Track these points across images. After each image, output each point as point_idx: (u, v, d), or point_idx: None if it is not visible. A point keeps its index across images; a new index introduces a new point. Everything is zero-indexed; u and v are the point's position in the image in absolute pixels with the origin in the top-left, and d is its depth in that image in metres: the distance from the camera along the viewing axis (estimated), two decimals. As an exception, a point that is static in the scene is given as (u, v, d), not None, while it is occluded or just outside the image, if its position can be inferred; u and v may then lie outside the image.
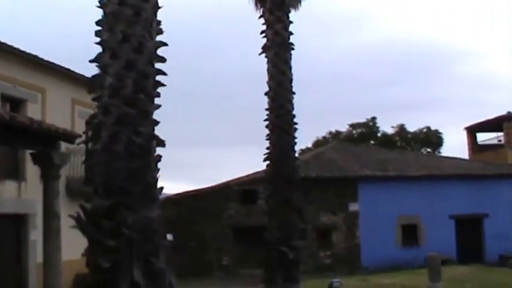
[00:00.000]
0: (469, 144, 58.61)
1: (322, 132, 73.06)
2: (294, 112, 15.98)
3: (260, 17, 16.15)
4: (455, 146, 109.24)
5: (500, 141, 56.51)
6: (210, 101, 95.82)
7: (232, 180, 38.23)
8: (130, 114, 6.58)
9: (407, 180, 39.05)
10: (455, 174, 40.71)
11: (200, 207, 34.85)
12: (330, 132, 71.78)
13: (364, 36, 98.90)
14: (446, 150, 69.43)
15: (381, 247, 36.25)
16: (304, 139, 59.49)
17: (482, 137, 59.69)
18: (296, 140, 16.07)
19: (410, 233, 38.08)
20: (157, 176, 6.96)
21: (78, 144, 15.78)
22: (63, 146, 17.02)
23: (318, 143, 68.50)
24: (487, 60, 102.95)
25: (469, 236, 39.26)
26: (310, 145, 69.45)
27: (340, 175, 37.75)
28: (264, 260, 15.14)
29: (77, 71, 23.74)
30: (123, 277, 6.15)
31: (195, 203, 35.09)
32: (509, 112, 54.07)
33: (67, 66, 23.64)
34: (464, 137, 59.31)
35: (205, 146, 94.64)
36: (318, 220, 35.75)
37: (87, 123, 7.05)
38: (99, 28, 6.96)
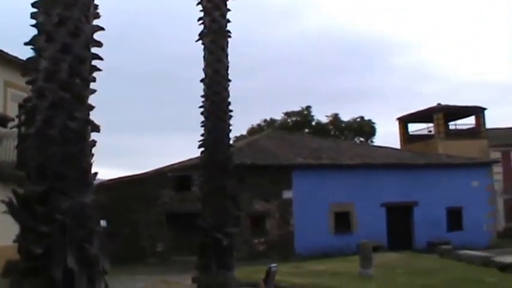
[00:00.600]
0: (400, 134, 59.69)
1: (257, 120, 73.41)
2: (229, 99, 15.99)
3: (198, 3, 16.09)
4: (387, 136, 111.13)
5: (430, 131, 57.79)
6: (145, 87, 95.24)
7: (167, 166, 38.12)
8: (66, 99, 6.49)
9: (341, 168, 39.54)
10: (387, 163, 41.41)
11: (134, 193, 34.64)
12: (265, 120, 72.10)
13: (302, 25, 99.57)
14: (378, 140, 70.71)
15: (314, 234, 36.67)
16: (239, 126, 59.81)
17: (414, 128, 60.87)
18: (231, 128, 16.10)
19: (342, 221, 38.61)
20: (92, 161, 6.89)
21: (10, 128, 15.52)
22: (-5, 129, 16.71)
23: (252, 131, 68.73)
24: (421, 52, 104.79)
25: (400, 224, 40.06)
26: (244, 132, 69.64)
27: (275, 163, 37.99)
28: (198, 246, 15.14)
29: (10, 52, 23.32)
30: (56, 264, 6.08)
31: (129, 189, 34.86)
32: (439, 104, 55.18)
33: (0, 48, 23.22)
34: (396, 127, 60.37)
35: (141, 132, 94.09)
36: (252, 207, 35.94)
37: (21, 106, 6.90)
38: (35, 10, 6.84)
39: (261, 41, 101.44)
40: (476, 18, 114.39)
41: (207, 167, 15.66)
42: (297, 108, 70.85)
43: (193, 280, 17.71)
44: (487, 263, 27.52)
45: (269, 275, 4.11)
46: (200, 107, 15.81)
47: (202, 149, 15.84)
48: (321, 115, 73.64)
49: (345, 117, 71.87)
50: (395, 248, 35.32)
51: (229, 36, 15.94)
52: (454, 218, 42.11)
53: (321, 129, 67.83)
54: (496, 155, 54.01)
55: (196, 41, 15.73)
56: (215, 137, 15.52)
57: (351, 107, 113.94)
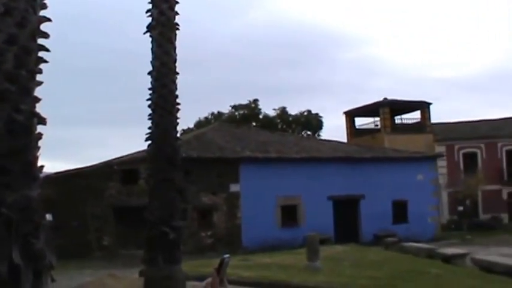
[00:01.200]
0: (347, 128, 60.24)
1: (204, 113, 73.43)
2: (177, 92, 15.90)
3: (146, -5, 15.96)
4: (334, 130, 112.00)
5: (377, 125, 58.50)
6: (93, 79, 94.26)
7: (114, 159, 37.86)
8: (11, 91, 6.36)
9: (288, 162, 39.73)
10: (334, 157, 41.74)
11: (80, 186, 34.27)
12: (212, 113, 72.15)
13: (251, 18, 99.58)
14: (325, 134, 71.26)
15: (261, 227, 36.79)
16: (186, 119, 59.69)
17: (360, 122, 61.52)
18: (178, 120, 16.01)
19: (290, 214, 38.82)
20: (38, 154, 6.78)
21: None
22: None
23: (200, 124, 68.68)
24: (369, 47, 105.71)
25: (346, 217, 40.44)
26: (192, 125, 69.55)
27: (222, 156, 38.01)
28: (145, 240, 15.05)
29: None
30: (1, 259, 5.96)
31: (76, 182, 34.49)
32: (385, 98, 55.83)
33: None
34: (343, 121, 60.90)
35: (87, 125, 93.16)
36: (199, 200, 35.90)
37: (-36, 98, 6.70)
38: (-21, 1, 6.70)
39: (209, 34, 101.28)
40: (421, 13, 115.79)
41: (154, 160, 15.55)
42: (244, 102, 71.08)
43: (141, 274, 17.60)
44: (431, 254, 28.07)
45: (222, 264, 4.14)
46: (147, 99, 15.69)
47: (149, 141, 15.73)
48: (268, 108, 74.06)
49: (293, 110, 72.37)
50: (342, 241, 35.63)
51: (178, 29, 15.85)
52: (400, 210, 42.73)
53: (268, 123, 68.01)
54: (440, 149, 54.94)
55: (144, 33, 15.61)
56: (162, 130, 15.42)
57: (298, 100, 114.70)
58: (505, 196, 57.21)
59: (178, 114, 15.95)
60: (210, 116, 71.70)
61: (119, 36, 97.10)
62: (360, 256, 27.03)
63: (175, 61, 15.82)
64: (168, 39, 15.58)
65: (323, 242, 29.46)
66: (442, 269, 23.31)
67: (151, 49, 15.56)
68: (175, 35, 15.81)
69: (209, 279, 3.40)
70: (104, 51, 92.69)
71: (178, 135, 16.44)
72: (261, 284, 19.60)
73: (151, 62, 15.63)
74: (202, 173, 36.13)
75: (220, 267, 3.39)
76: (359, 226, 41.55)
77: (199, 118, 71.93)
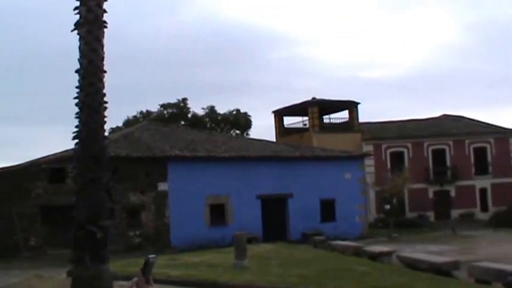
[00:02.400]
0: (276, 127, 60.54)
1: (133, 112, 72.94)
2: (104, 91, 15.78)
3: (73, -8, 15.78)
4: (263, 129, 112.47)
5: (305, 125, 58.89)
6: (17, 77, 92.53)
7: (40, 158, 37.34)
8: None
9: (216, 161, 39.80)
10: (262, 156, 41.95)
11: (6, 185, 33.66)
12: (141, 112, 71.68)
13: (181, 16, 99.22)
14: (254, 133, 71.46)
15: (190, 226, 36.81)
16: (115, 118, 59.20)
17: (289, 121, 61.85)
18: (106, 119, 15.89)
19: (218, 213, 38.92)
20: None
21: None
22: None
23: (128, 122, 68.17)
24: (298, 47, 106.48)
25: (275, 215, 40.68)
26: (120, 124, 69.04)
27: (150, 155, 37.84)
28: (72, 240, 14.90)
29: None
30: None
31: (1, 182, 33.85)
32: (314, 98, 56.31)
33: None
34: (272, 120, 61.20)
35: (12, 123, 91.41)
36: (127, 199, 35.67)
37: None
38: None
39: (139, 31, 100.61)
40: (351, 15, 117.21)
41: (81, 159, 15.41)
42: (173, 101, 70.83)
43: (68, 274, 17.44)
44: (358, 252, 28.49)
45: (147, 265, 4.15)
46: (75, 98, 15.54)
47: (76, 140, 15.59)
48: (197, 107, 73.95)
49: (221, 109, 72.45)
50: (270, 239, 35.87)
51: (106, 27, 15.73)
52: (328, 209, 43.16)
53: (197, 122, 67.99)
54: (368, 148, 55.72)
55: (72, 30, 15.45)
56: (89, 129, 15.28)
57: (227, 99, 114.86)
58: (430, 195, 58.42)
59: (106, 113, 15.83)
60: (138, 115, 71.23)
61: (46, 30, 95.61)
62: (287, 254, 27.28)
63: (103, 59, 15.69)
64: (96, 37, 15.43)
65: (251, 240, 29.64)
66: (369, 266, 23.68)
67: (79, 47, 15.40)
68: (103, 33, 15.68)
69: (135, 279, 3.47)
70: (32, 47, 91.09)
71: (106, 134, 16.33)
72: (189, 283, 19.62)
73: (78, 59, 15.48)
74: (131, 172, 35.90)
75: (146, 267, 3.45)
76: (287, 224, 41.84)
77: (128, 117, 71.45)
